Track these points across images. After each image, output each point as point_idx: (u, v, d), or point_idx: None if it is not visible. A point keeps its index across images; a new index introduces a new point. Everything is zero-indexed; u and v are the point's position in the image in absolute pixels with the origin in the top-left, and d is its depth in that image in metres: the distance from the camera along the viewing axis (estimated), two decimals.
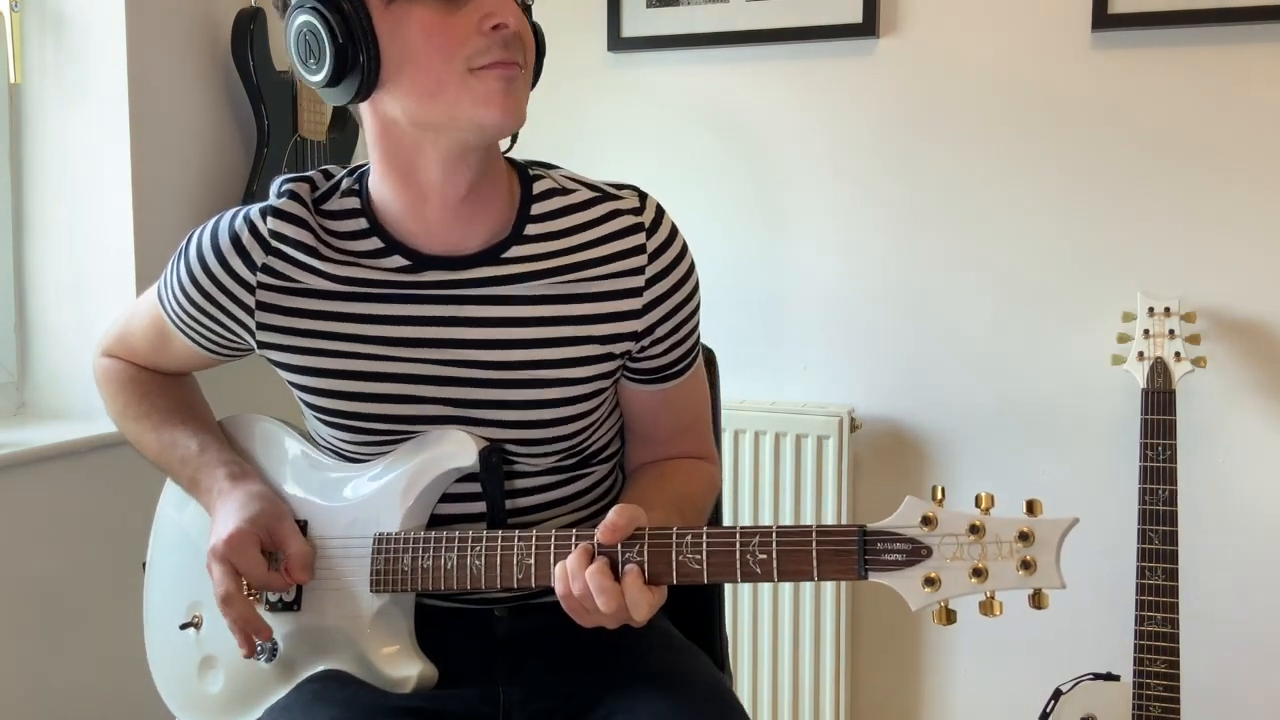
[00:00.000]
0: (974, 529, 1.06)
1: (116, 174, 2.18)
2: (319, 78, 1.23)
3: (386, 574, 1.30)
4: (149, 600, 1.53)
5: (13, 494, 2.02)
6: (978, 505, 1.07)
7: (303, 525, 1.36)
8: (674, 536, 1.17)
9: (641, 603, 1.16)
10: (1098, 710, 2.13)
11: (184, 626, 1.46)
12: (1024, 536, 1.04)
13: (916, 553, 1.08)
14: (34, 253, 2.27)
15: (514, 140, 1.34)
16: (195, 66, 2.31)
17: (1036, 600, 1.05)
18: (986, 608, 1.06)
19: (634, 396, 1.43)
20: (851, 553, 1.10)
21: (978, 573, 1.05)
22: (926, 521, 1.07)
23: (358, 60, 1.21)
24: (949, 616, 1.07)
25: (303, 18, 1.22)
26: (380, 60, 1.21)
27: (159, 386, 1.54)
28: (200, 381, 1.60)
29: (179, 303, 1.39)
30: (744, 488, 2.48)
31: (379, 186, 1.33)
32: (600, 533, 1.18)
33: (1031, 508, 1.06)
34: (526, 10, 1.28)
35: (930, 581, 1.07)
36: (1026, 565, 1.04)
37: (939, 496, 1.09)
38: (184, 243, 1.39)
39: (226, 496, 1.35)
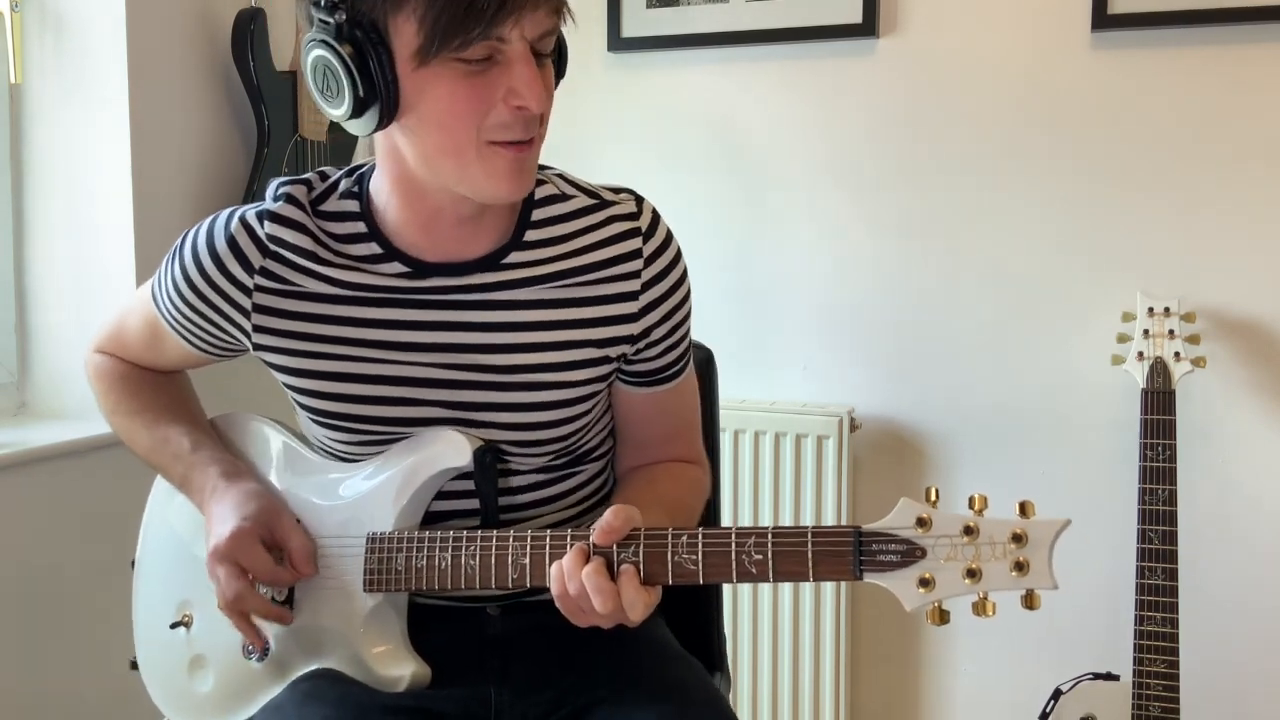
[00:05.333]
0: (968, 530, 1.06)
1: (116, 174, 2.18)
2: (336, 112, 1.22)
3: (380, 573, 1.30)
4: (138, 599, 1.53)
5: (13, 494, 2.02)
6: (971, 507, 1.08)
7: None
8: (670, 537, 1.17)
9: (637, 603, 1.16)
10: (1098, 710, 2.13)
11: (174, 626, 1.46)
12: (1017, 538, 1.04)
13: (911, 554, 1.08)
14: (34, 253, 2.27)
15: None
16: (195, 66, 2.31)
17: (1029, 601, 1.05)
18: (980, 608, 1.06)
19: (628, 400, 1.44)
20: (847, 554, 1.11)
21: (971, 573, 1.05)
22: (921, 523, 1.08)
23: (376, 108, 1.20)
24: (943, 617, 1.08)
25: (321, 52, 1.20)
26: (399, 111, 1.20)
27: (151, 384, 1.54)
28: (193, 380, 1.60)
29: (173, 303, 1.39)
30: (744, 488, 2.48)
31: (384, 197, 1.33)
32: (596, 534, 1.18)
33: (1024, 509, 1.06)
34: (557, 50, 1.27)
35: (925, 582, 1.07)
36: (1020, 566, 1.04)
37: (933, 498, 1.09)
38: (178, 243, 1.39)
39: (221, 495, 1.35)
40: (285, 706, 1.32)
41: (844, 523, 2.38)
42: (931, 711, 2.54)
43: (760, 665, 2.49)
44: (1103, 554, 2.31)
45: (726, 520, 2.46)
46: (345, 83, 1.19)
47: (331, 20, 1.18)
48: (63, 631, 2.11)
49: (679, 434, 1.50)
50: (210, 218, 1.38)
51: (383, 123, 1.21)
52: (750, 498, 2.48)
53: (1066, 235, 2.35)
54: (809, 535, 1.12)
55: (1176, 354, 2.14)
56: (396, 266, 1.32)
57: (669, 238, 1.38)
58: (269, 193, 1.36)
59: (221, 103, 2.37)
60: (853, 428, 2.44)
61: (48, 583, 2.08)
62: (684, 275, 1.39)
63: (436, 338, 1.32)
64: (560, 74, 1.30)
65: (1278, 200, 2.21)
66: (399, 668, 1.31)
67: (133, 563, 1.55)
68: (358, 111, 1.20)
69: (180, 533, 1.49)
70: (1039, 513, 1.06)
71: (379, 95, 1.19)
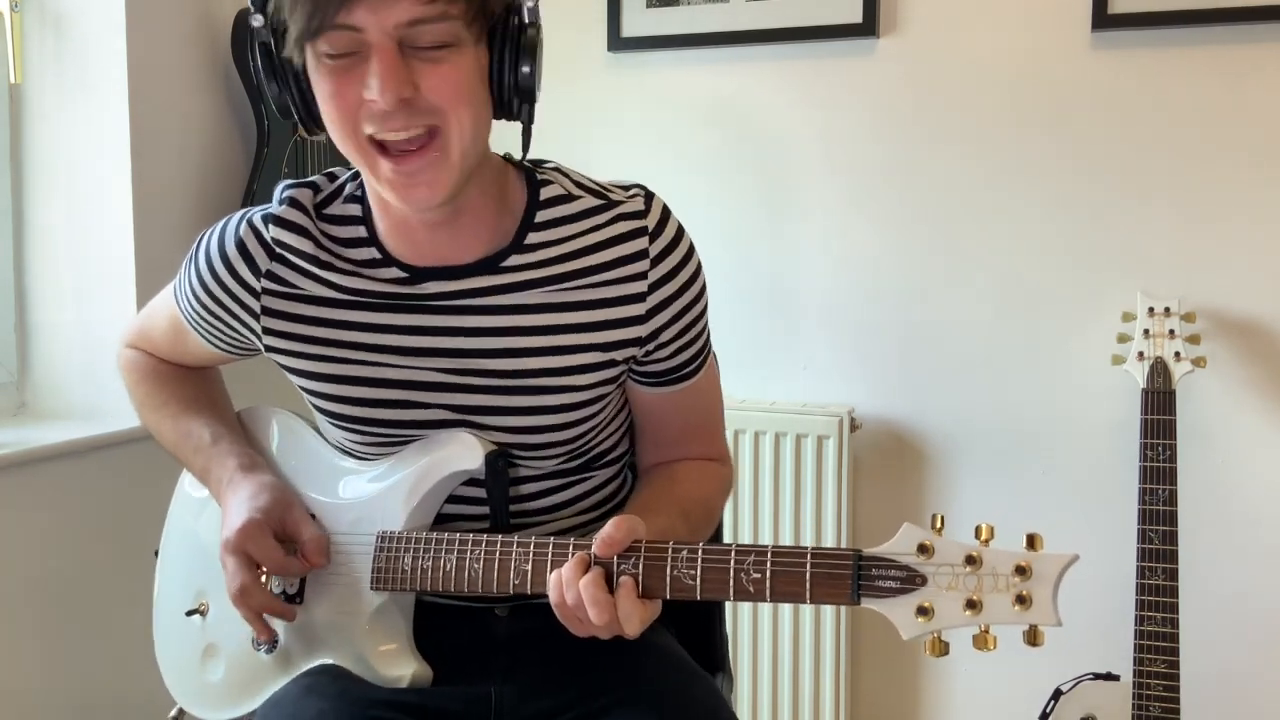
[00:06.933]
0: (970, 560, 1.03)
1: (116, 174, 2.18)
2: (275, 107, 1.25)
3: (387, 573, 1.31)
4: (159, 586, 1.56)
5: (13, 494, 2.02)
6: (977, 536, 1.05)
7: None
8: (670, 551, 1.17)
9: (634, 616, 1.15)
10: (1098, 710, 2.13)
11: (190, 613, 1.47)
12: (1021, 570, 1.02)
13: (911, 581, 1.06)
14: (34, 253, 2.27)
15: (526, 147, 1.33)
16: (195, 66, 2.30)
17: (1032, 637, 1.03)
18: (980, 642, 1.04)
19: (643, 399, 1.43)
20: (845, 577, 1.09)
21: (972, 605, 1.03)
22: (923, 550, 1.06)
23: (292, 108, 1.23)
24: (942, 648, 1.05)
25: (255, 61, 1.23)
26: (313, 113, 1.23)
27: (179, 378, 1.56)
28: (223, 372, 1.62)
29: (191, 304, 1.41)
30: (744, 488, 2.48)
31: (371, 202, 1.34)
32: (596, 545, 1.18)
33: (1032, 542, 1.03)
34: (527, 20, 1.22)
35: (923, 611, 1.05)
36: (1022, 600, 1.01)
37: (938, 525, 1.07)
38: (195, 244, 1.41)
39: (237, 487, 1.37)
40: (284, 700, 1.33)
41: (844, 523, 2.39)
42: (931, 711, 2.55)
43: (760, 665, 2.50)
44: (1103, 554, 2.31)
45: (726, 520, 2.46)
46: (268, 87, 1.23)
47: (255, 25, 1.21)
48: (63, 631, 2.11)
49: (698, 432, 1.48)
50: (224, 220, 1.40)
51: (305, 125, 1.24)
52: (750, 498, 2.48)
53: (1067, 235, 2.34)
54: (809, 556, 1.11)
55: (1177, 354, 2.14)
56: (394, 271, 1.32)
57: (678, 236, 1.35)
58: (275, 195, 1.37)
59: (221, 103, 2.37)
60: (853, 428, 2.44)
61: (48, 583, 2.08)
62: (696, 273, 1.36)
63: (436, 342, 1.32)
64: (517, 64, 1.22)
65: (1277, 200, 2.21)
66: (401, 668, 1.32)
67: (156, 552, 1.57)
68: (285, 114, 1.24)
69: (201, 523, 1.51)
70: (1047, 545, 1.03)
71: (291, 99, 1.22)
